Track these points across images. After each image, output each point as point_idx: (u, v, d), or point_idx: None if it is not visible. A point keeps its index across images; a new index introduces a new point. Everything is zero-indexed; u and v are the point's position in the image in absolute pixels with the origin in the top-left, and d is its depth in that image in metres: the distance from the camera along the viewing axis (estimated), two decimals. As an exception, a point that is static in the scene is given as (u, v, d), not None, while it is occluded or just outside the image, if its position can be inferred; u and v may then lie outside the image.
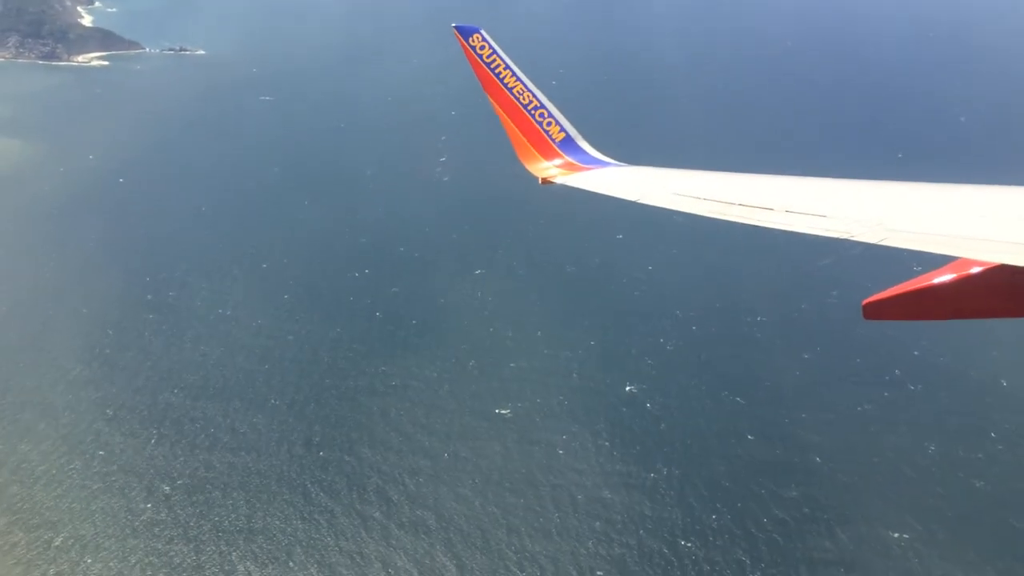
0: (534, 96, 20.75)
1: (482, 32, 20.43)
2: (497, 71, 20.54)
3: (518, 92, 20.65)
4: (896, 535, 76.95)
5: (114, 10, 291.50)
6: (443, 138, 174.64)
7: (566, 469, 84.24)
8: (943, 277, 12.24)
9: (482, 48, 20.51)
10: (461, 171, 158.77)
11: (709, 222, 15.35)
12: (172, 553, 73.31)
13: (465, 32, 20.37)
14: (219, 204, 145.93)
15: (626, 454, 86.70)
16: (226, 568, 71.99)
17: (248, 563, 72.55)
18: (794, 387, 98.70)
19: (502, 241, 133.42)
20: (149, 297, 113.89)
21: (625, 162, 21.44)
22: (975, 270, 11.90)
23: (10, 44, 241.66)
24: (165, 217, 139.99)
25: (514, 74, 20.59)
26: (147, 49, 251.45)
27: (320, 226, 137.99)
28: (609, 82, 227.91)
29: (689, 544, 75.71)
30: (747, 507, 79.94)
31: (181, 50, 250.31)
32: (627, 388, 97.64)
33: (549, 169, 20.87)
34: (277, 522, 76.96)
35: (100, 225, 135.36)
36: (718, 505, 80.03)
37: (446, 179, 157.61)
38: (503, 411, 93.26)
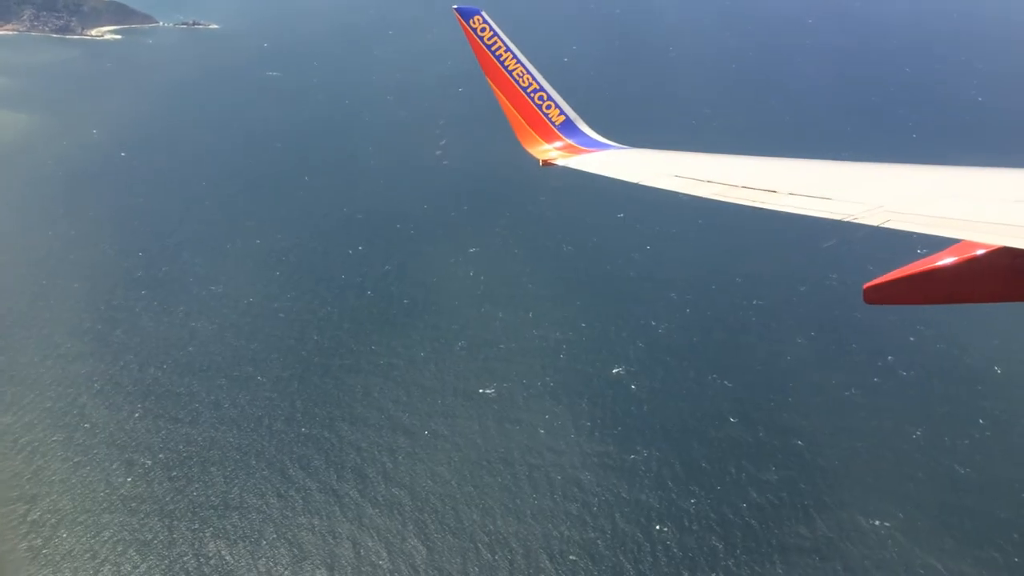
0: (534, 79, 20.82)
1: (483, 14, 20.42)
2: (497, 53, 20.54)
3: (518, 75, 20.69)
4: (876, 522, 76.02)
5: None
6: (442, 122, 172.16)
7: (545, 450, 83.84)
8: (944, 260, 12.23)
9: (483, 30, 20.45)
10: (462, 149, 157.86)
11: (712, 203, 15.35)
12: (145, 529, 73.56)
13: (466, 13, 20.32)
14: (218, 179, 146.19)
15: (606, 436, 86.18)
16: (196, 546, 72.11)
17: (220, 541, 72.69)
18: (784, 371, 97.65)
19: (500, 219, 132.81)
20: (140, 274, 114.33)
21: (627, 144, 21.47)
22: (976, 253, 11.91)
23: (25, 17, 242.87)
24: (163, 192, 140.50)
25: (515, 56, 20.61)
26: (161, 23, 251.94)
27: (318, 202, 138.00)
28: (621, 62, 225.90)
29: (664, 529, 75.18)
30: (725, 491, 79.26)
31: (194, 24, 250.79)
32: (614, 370, 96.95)
33: (549, 152, 21.06)
34: (252, 499, 77.10)
35: (98, 200, 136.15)
36: (695, 488, 79.41)
37: (445, 163, 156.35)
38: (487, 391, 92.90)
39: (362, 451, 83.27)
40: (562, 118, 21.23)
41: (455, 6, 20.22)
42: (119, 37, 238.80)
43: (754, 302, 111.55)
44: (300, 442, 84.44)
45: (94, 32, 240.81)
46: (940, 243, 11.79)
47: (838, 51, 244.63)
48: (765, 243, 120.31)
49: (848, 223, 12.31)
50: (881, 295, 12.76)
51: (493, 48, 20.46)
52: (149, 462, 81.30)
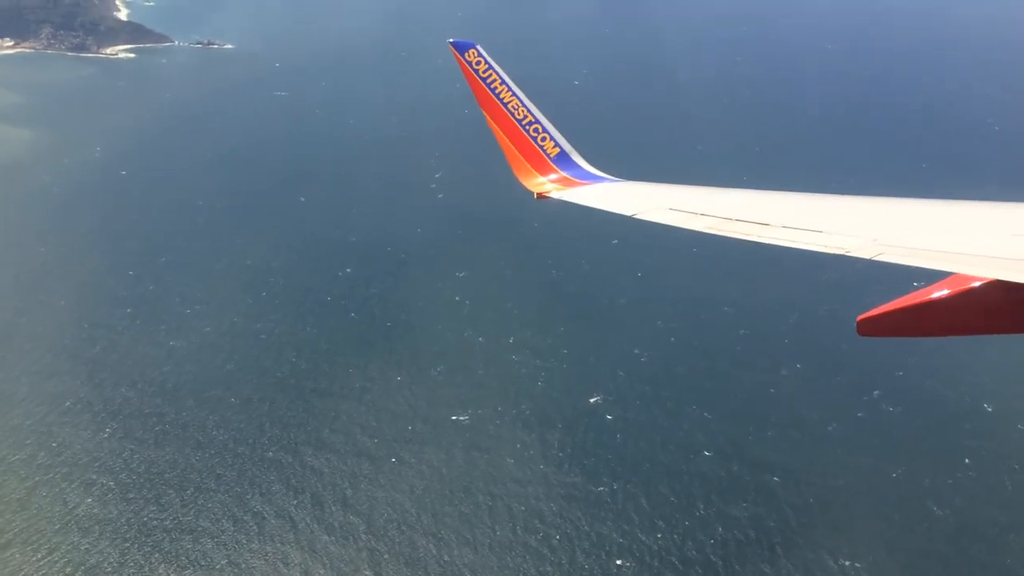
0: (529, 111, 20.98)
1: (478, 47, 20.72)
2: (492, 86, 20.72)
3: (513, 107, 20.87)
4: (846, 563, 73.88)
5: (151, 3, 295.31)
6: (437, 154, 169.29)
7: (510, 480, 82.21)
8: (938, 293, 12.29)
9: (478, 63, 20.70)
10: (460, 173, 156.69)
11: (707, 233, 15.26)
12: (96, 551, 72.85)
13: (461, 47, 20.61)
14: (216, 199, 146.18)
15: (575, 467, 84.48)
16: (146, 570, 71.31)
17: (169, 565, 71.83)
18: (765, 404, 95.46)
19: (491, 244, 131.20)
20: (125, 292, 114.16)
21: (622, 177, 21.46)
22: (969, 286, 11.95)
23: (42, 35, 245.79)
24: (160, 211, 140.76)
25: (510, 89, 20.79)
26: (176, 42, 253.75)
27: (311, 223, 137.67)
28: (632, 85, 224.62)
29: (625, 564, 73.37)
30: (692, 526, 77.31)
31: (209, 44, 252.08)
32: (591, 399, 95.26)
33: (544, 184, 21.13)
34: (206, 523, 76.13)
35: (93, 218, 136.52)
36: (661, 523, 77.50)
37: (440, 196, 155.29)
38: (461, 418, 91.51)
39: (323, 477, 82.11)
40: (557, 150, 21.31)
41: (450, 40, 20.46)
42: (133, 56, 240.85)
43: (741, 332, 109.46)
44: (262, 466, 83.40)
45: (109, 51, 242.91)
46: (935, 276, 11.83)
47: (855, 77, 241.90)
48: (757, 273, 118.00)
49: (842, 256, 12.38)
50: (874, 327, 12.71)
51: (488, 81, 20.63)
52: (110, 483, 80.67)
